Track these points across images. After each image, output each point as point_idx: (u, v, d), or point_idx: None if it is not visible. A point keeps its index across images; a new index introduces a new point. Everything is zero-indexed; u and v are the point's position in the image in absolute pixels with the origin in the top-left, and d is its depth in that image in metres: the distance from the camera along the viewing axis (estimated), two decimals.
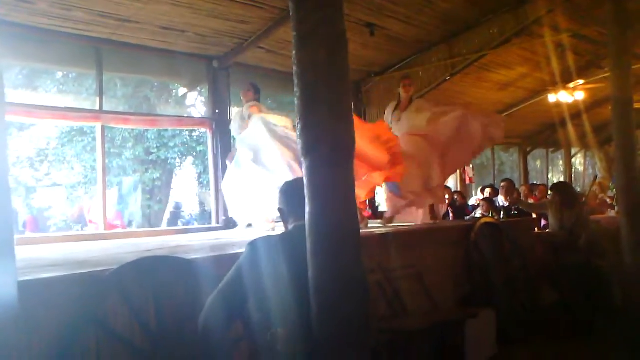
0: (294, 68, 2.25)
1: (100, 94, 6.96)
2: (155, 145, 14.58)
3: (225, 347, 2.60)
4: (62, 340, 2.53)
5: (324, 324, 2.29)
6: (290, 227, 2.65)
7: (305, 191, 2.27)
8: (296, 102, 2.21)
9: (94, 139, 10.17)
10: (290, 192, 2.66)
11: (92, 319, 2.64)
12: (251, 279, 2.47)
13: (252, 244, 2.54)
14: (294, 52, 2.26)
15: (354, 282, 2.32)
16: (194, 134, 15.00)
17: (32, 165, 15.32)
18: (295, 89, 2.20)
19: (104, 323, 2.70)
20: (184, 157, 15.84)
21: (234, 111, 6.42)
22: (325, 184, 2.19)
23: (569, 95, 11.44)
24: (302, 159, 2.22)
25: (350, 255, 2.29)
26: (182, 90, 13.73)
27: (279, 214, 2.76)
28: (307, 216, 2.28)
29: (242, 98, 6.62)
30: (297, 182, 2.53)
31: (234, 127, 6.71)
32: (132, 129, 13.62)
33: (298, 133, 2.21)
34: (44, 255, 4.13)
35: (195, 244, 4.85)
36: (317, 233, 2.24)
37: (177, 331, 2.90)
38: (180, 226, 8.18)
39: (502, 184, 8.62)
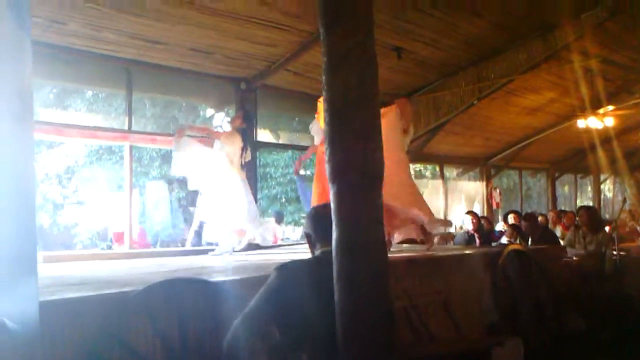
0: (324, 93, 2.24)
1: (129, 113, 7.05)
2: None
3: None
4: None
5: (349, 350, 2.26)
6: (318, 252, 2.63)
7: (333, 216, 2.26)
8: (325, 127, 2.20)
9: (121, 157, 10.29)
10: (318, 217, 2.64)
11: (116, 339, 2.64)
12: (278, 302, 2.45)
13: (280, 268, 2.53)
14: (323, 77, 2.25)
15: (380, 308, 2.29)
16: None
17: (60, 182, 15.52)
18: (325, 114, 2.19)
19: (128, 344, 2.69)
20: None
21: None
22: (353, 210, 2.17)
23: (599, 121, 11.28)
24: (330, 184, 2.20)
25: (377, 281, 2.26)
26: (210, 112, 13.87)
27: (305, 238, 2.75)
28: (334, 242, 2.26)
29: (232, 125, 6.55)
30: (325, 207, 2.51)
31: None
32: (160, 149, 13.76)
33: (327, 158, 2.19)
34: (70, 273, 4.16)
35: (220, 265, 4.84)
36: (343, 259, 2.22)
37: (200, 355, 2.88)
38: (204, 246, 8.19)
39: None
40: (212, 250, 6.31)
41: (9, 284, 2.12)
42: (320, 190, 5.79)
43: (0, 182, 2.18)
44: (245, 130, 6.38)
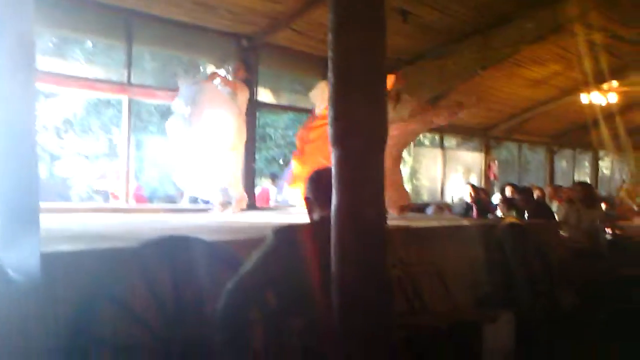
0: (329, 53, 2.16)
1: (129, 66, 6.93)
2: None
3: (243, 332, 2.55)
4: (79, 316, 2.51)
5: (346, 316, 2.23)
6: (316, 217, 2.58)
7: (334, 181, 2.20)
8: (329, 89, 2.13)
9: (119, 111, 10.17)
10: (318, 182, 2.58)
11: (110, 296, 2.61)
12: (274, 266, 2.42)
13: (277, 233, 2.48)
14: (329, 36, 2.16)
15: (378, 276, 2.26)
16: None
17: (57, 134, 15.43)
18: (329, 75, 2.11)
19: (122, 301, 2.66)
20: None
21: None
22: (356, 175, 2.11)
23: (602, 97, 11.19)
24: (333, 148, 2.14)
25: (376, 249, 2.22)
26: (210, 68, 13.71)
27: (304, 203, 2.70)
28: (333, 207, 2.21)
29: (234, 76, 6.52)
30: (326, 171, 2.46)
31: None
32: (158, 104, 13.63)
33: (330, 121, 2.12)
34: (65, 226, 4.13)
35: (215, 225, 4.81)
36: (343, 225, 2.17)
37: (194, 314, 2.86)
38: (200, 205, 8.19)
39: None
40: (210, 208, 6.30)
41: (12, 235, 2.10)
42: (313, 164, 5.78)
43: (1, 132, 2.13)
44: (250, 81, 6.37)
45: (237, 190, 6.26)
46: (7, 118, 2.13)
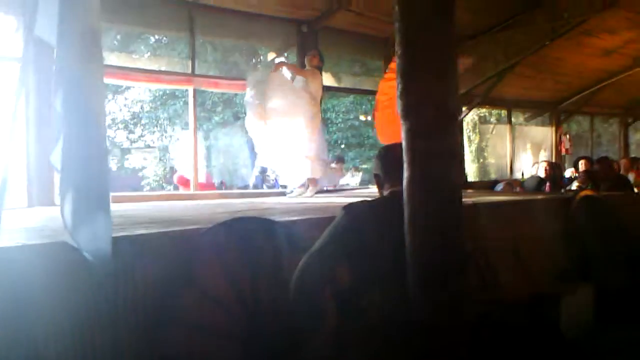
0: (396, 24, 2.11)
1: (193, 57, 7.05)
2: (243, 111, 14.78)
3: (319, 310, 2.55)
4: (156, 298, 2.56)
5: (421, 293, 2.20)
6: (386, 192, 2.55)
7: (404, 155, 2.16)
8: (397, 61, 2.09)
9: (185, 102, 10.39)
10: (388, 157, 2.55)
11: (186, 278, 2.65)
12: (346, 243, 2.40)
13: (348, 209, 2.47)
14: (395, 7, 2.12)
15: (453, 252, 2.21)
16: None
17: (126, 128, 15.93)
18: (397, 47, 2.06)
19: (197, 283, 2.70)
20: None
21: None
22: (426, 148, 2.07)
23: None
24: (403, 121, 2.10)
25: (452, 223, 2.17)
26: (270, 56, 13.81)
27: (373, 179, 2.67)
28: (404, 182, 2.18)
29: (308, 63, 6.50)
30: (395, 147, 2.42)
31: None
32: (222, 94, 13.87)
33: (398, 94, 2.08)
34: (138, 212, 4.25)
35: (283, 206, 4.84)
36: (415, 200, 2.13)
37: (269, 294, 2.87)
38: (266, 189, 8.32)
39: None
40: (288, 192, 6.42)
41: (85, 220, 2.16)
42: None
43: (72, 122, 2.19)
44: (321, 68, 6.39)
45: (315, 174, 6.33)
46: (77, 107, 2.18)
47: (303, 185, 6.35)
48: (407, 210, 2.16)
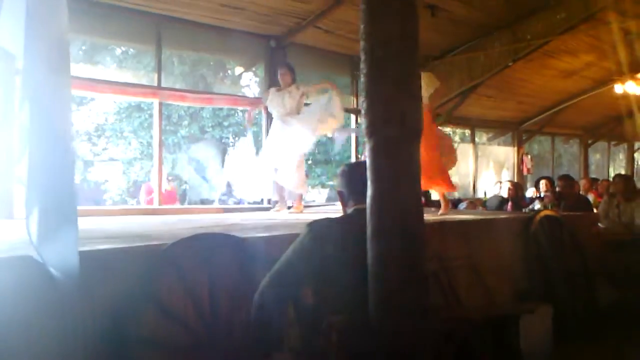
0: (362, 43, 2.14)
1: (159, 70, 7.00)
2: (210, 124, 14.73)
3: (279, 329, 2.53)
4: (117, 314, 2.51)
5: (383, 311, 2.20)
6: (350, 210, 2.56)
7: (368, 173, 2.18)
8: (362, 79, 2.11)
9: (150, 115, 10.29)
10: (351, 174, 2.56)
11: (147, 295, 2.61)
12: (309, 261, 2.40)
13: (311, 226, 2.47)
14: (362, 26, 2.14)
15: (415, 270, 2.23)
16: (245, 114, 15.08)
17: (90, 140, 15.68)
18: (362, 65, 2.09)
19: (158, 299, 2.67)
20: (238, 137, 15.94)
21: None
22: (391, 165, 2.08)
23: (637, 87, 10.92)
24: (366, 139, 2.11)
25: (413, 241, 2.19)
26: (238, 70, 13.80)
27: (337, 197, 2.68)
28: (368, 199, 2.19)
29: (280, 81, 6.49)
30: (359, 164, 2.44)
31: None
32: (188, 107, 13.78)
33: (363, 112, 2.10)
34: (100, 227, 4.17)
35: (249, 222, 4.82)
36: (378, 216, 2.14)
37: (230, 311, 2.85)
38: (232, 205, 8.27)
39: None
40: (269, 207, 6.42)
41: (51, 234, 2.11)
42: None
43: (39, 134, 2.15)
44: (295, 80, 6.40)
45: (303, 191, 6.36)
46: (44, 119, 2.14)
47: (279, 201, 6.36)
48: (370, 226, 2.17)
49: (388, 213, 2.11)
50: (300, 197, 6.37)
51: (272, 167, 6.11)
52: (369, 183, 2.17)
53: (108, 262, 2.56)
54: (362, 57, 2.08)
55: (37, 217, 2.09)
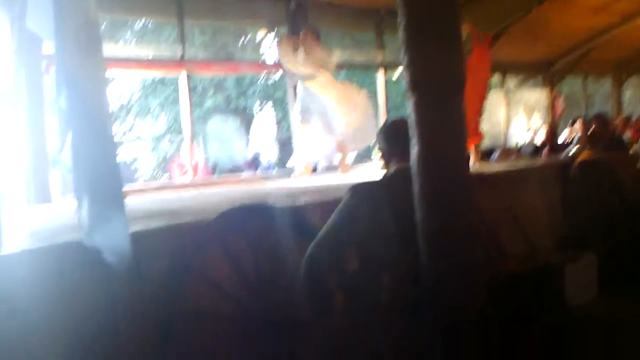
0: None
1: (183, 41, 6.91)
2: (234, 94, 14.67)
3: (327, 294, 2.52)
4: (165, 292, 2.53)
5: (433, 269, 2.17)
6: (392, 169, 2.51)
7: (412, 130, 2.11)
8: (400, 33, 2.03)
9: (175, 89, 10.27)
10: (392, 132, 2.51)
11: (192, 270, 2.62)
12: (354, 227, 2.36)
13: (354, 189, 2.43)
14: None
15: (464, 224, 2.18)
16: (269, 81, 14.97)
17: (116, 119, 15.76)
18: (400, 18, 2.00)
19: (204, 274, 2.67)
20: (263, 104, 15.87)
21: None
22: (434, 121, 2.02)
23: None
24: (409, 95, 2.04)
25: (461, 196, 2.14)
26: (260, 35, 13.64)
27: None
28: (414, 156, 2.13)
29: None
30: (400, 122, 2.38)
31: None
32: (212, 79, 13.72)
33: (404, 66, 2.02)
34: (136, 206, 4.18)
35: (282, 191, 4.78)
36: (426, 174, 2.09)
37: (275, 280, 2.85)
38: (261, 173, 8.27)
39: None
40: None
41: (100, 219, 2.11)
42: None
43: (80, 119, 2.13)
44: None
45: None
46: (83, 104, 2.12)
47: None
48: (417, 185, 2.12)
49: (435, 169, 2.06)
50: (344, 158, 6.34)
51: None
52: (413, 140, 2.11)
53: (155, 242, 2.56)
54: (400, 10, 1.99)
55: (87, 202, 2.09)
